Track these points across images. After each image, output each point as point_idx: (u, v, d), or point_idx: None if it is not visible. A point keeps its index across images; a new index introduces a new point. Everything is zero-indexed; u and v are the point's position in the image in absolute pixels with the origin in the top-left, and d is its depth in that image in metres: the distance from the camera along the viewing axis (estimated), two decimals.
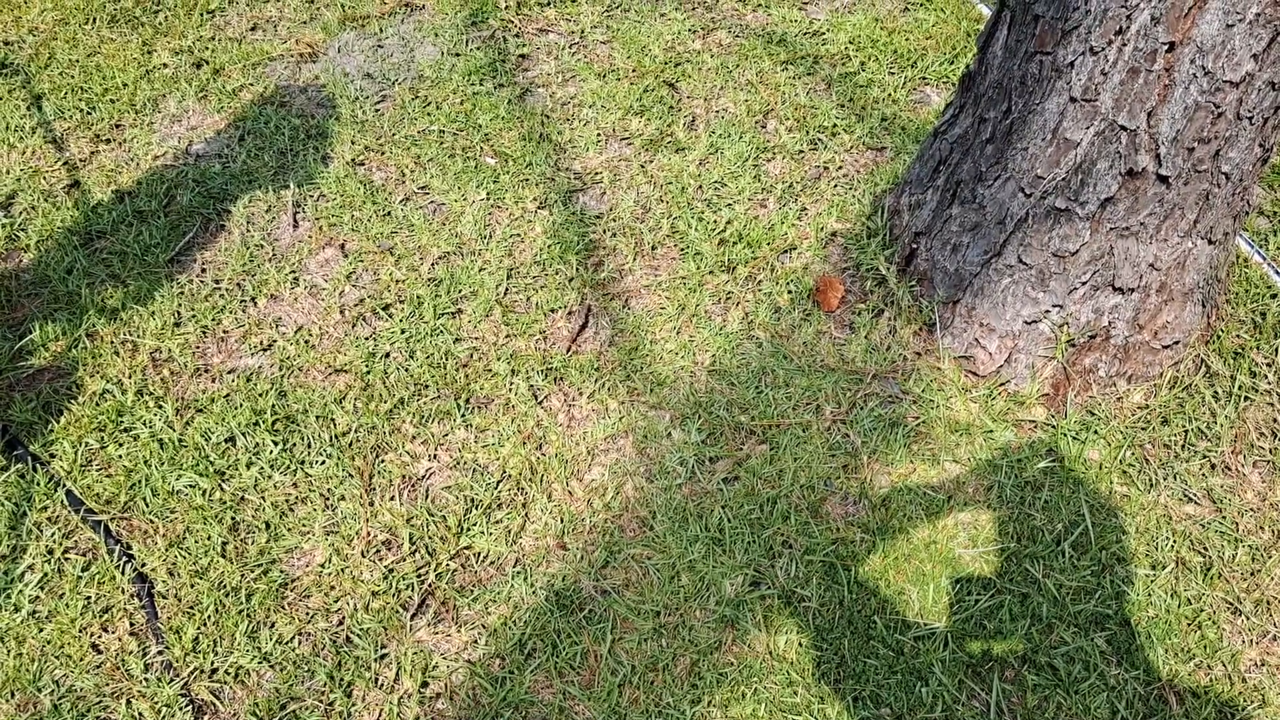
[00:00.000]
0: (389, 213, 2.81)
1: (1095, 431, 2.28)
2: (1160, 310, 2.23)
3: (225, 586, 2.03)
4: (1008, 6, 2.13)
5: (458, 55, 3.38)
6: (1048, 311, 2.26)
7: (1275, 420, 2.28)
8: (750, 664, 1.94)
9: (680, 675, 1.92)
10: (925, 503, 2.18)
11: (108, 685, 1.89)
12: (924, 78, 3.31)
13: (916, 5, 3.62)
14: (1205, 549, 2.11)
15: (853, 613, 2.01)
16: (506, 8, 3.57)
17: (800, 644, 1.97)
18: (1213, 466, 2.23)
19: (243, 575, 2.04)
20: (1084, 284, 2.19)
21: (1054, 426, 2.30)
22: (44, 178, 2.89)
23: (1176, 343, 2.31)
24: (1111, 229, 2.10)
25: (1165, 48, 1.83)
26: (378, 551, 2.10)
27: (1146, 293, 2.20)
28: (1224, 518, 2.15)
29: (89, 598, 2.01)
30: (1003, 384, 2.36)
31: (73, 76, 3.24)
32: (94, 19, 3.48)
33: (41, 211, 2.79)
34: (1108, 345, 2.28)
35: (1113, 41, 1.87)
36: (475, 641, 1.98)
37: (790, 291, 2.59)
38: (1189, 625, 2.00)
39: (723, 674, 1.92)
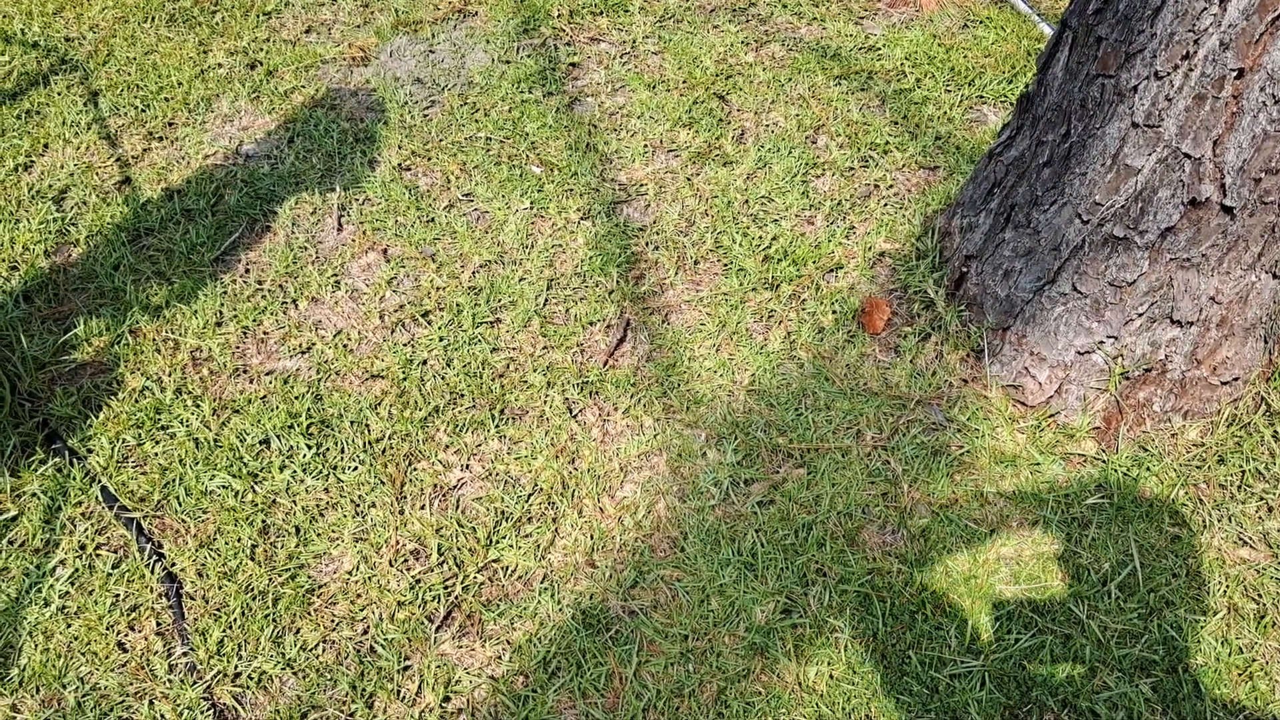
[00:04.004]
0: (432, 219, 2.80)
1: (1147, 468, 2.20)
2: (1220, 345, 2.15)
3: (253, 590, 2.02)
4: (1069, 27, 2.06)
5: (508, 62, 3.37)
6: (1102, 342, 2.18)
7: None
8: (779, 694, 1.89)
9: (706, 702, 1.88)
10: (966, 535, 2.12)
11: (131, 685, 1.88)
12: (981, 96, 3.24)
13: (976, 22, 3.55)
14: (1259, 596, 2.02)
15: (887, 646, 1.95)
16: (559, 15, 3.56)
17: (831, 676, 1.91)
18: (1270, 509, 2.14)
19: (270, 579, 2.04)
20: (1141, 315, 2.12)
21: (1104, 461, 2.22)
22: (96, 173, 2.93)
23: (1236, 379, 2.22)
24: (1171, 260, 2.02)
25: (1234, 74, 1.76)
26: (406, 561, 2.08)
27: (1206, 326, 2.12)
28: None
29: (118, 595, 2.01)
30: (1052, 415, 2.29)
31: (129, 74, 3.28)
32: (153, 17, 3.52)
33: (92, 207, 2.82)
34: (1164, 379, 2.20)
35: (1179, 66, 1.80)
36: (499, 657, 1.95)
37: (835, 312, 2.54)
38: (1240, 675, 1.91)
39: (750, 703, 1.88)
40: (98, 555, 2.07)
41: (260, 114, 3.17)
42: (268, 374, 2.41)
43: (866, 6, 3.67)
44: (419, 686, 1.90)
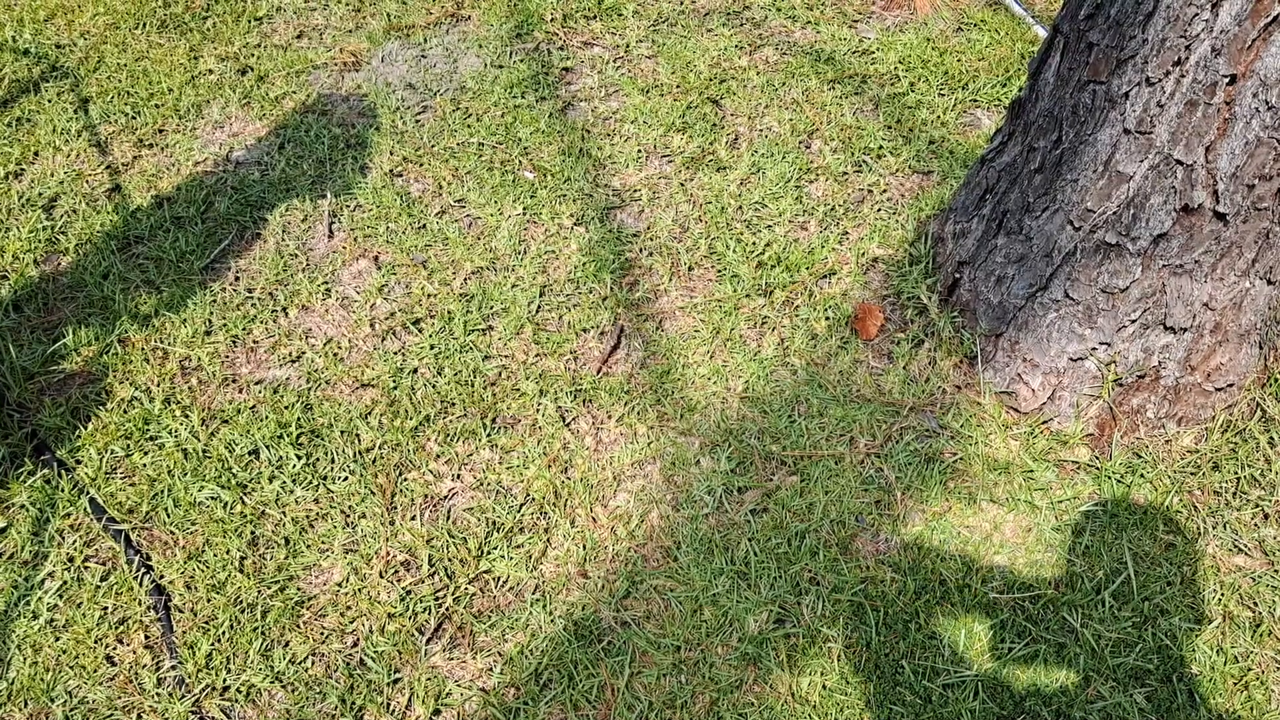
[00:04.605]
0: (424, 225, 2.79)
1: (1141, 475, 2.19)
2: (1214, 351, 2.14)
3: (241, 602, 2.01)
4: (1061, 33, 2.05)
5: (501, 67, 3.35)
6: (1094, 349, 2.17)
7: None
8: (772, 705, 1.88)
9: (699, 714, 1.87)
10: (960, 543, 2.10)
11: (120, 699, 1.87)
12: (975, 100, 3.23)
13: (970, 25, 3.54)
14: (1255, 604, 2.01)
15: (880, 656, 1.94)
16: (552, 20, 3.55)
17: (824, 686, 1.90)
18: (1265, 516, 2.13)
19: (259, 591, 2.02)
20: (1133, 322, 2.11)
21: (1098, 468, 2.21)
22: (86, 181, 2.91)
23: (1230, 385, 2.21)
24: (1164, 266, 2.01)
25: (1226, 80, 1.75)
26: (396, 572, 2.07)
27: (1200, 333, 2.11)
28: (1276, 571, 2.05)
29: (106, 608, 2.00)
30: (1045, 422, 2.28)
31: (120, 81, 3.26)
32: (144, 24, 3.51)
33: (82, 215, 2.80)
34: (1157, 386, 2.19)
35: (1170, 72, 1.79)
36: (490, 669, 1.94)
37: (828, 318, 2.52)
38: (1235, 685, 1.90)
39: (742, 714, 1.86)
40: (86, 567, 2.06)
41: (251, 120, 3.15)
42: (257, 383, 2.40)
43: (860, 10, 3.66)
44: (409, 699, 1.89)
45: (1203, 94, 1.78)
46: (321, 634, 1.97)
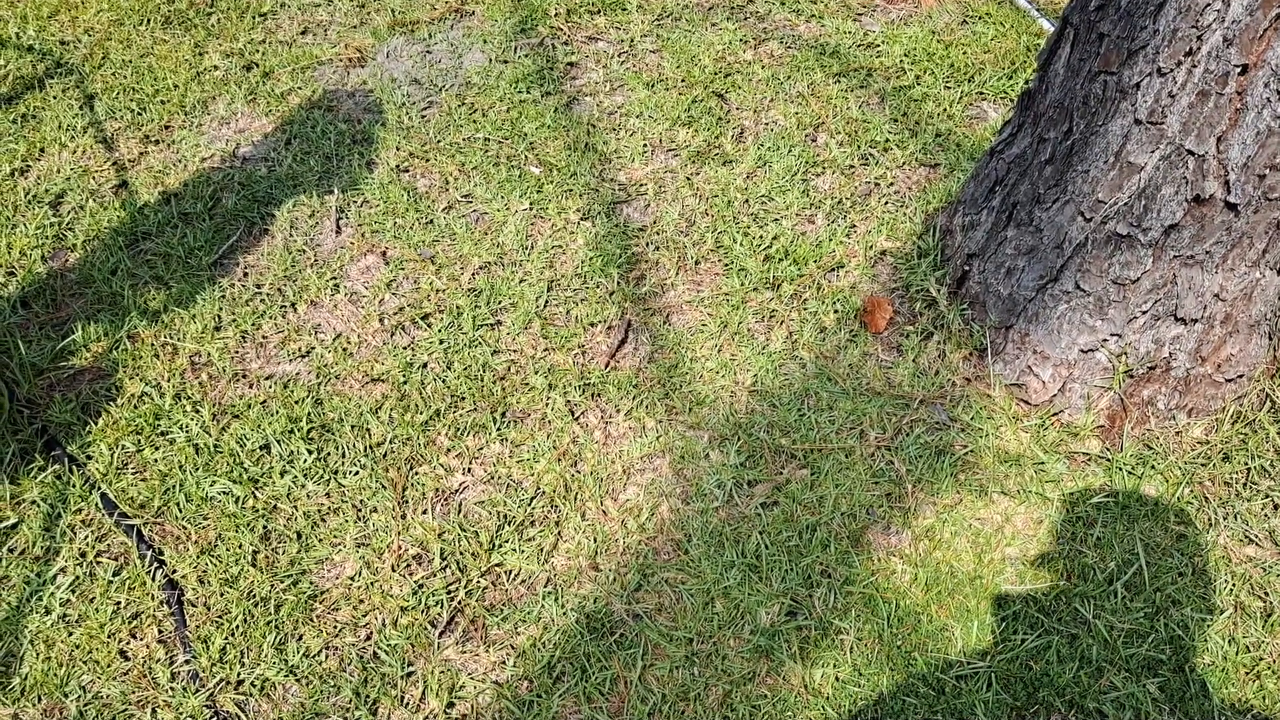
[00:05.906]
0: (431, 221, 2.79)
1: (1152, 466, 2.19)
2: (1224, 342, 2.14)
3: (254, 596, 2.01)
4: (1071, 24, 2.05)
5: (506, 62, 3.35)
6: (1105, 340, 2.17)
7: None
8: (785, 697, 1.88)
9: (712, 706, 1.87)
10: (971, 535, 2.11)
11: (134, 693, 1.87)
12: (981, 92, 3.23)
13: (975, 18, 3.54)
14: (1266, 594, 2.01)
15: (892, 648, 1.94)
16: (556, 15, 3.54)
17: (837, 678, 1.90)
18: (1276, 507, 2.13)
19: (272, 585, 2.02)
20: (1144, 313, 2.11)
21: (1109, 460, 2.21)
22: (93, 177, 2.91)
23: (1241, 376, 2.21)
24: (1175, 257, 2.01)
25: (1238, 70, 1.75)
26: (408, 566, 2.07)
27: (1210, 324, 2.11)
28: None
29: (119, 603, 2.00)
30: (1056, 414, 2.28)
31: (125, 77, 3.26)
32: (148, 20, 3.50)
33: (89, 211, 2.80)
34: (1168, 377, 2.19)
35: (1182, 63, 1.79)
36: (503, 662, 1.94)
37: (837, 311, 2.52)
38: (1247, 675, 1.90)
39: (756, 706, 1.87)
40: (98, 563, 2.06)
41: (257, 116, 3.15)
42: (267, 378, 2.40)
43: (865, 3, 3.65)
44: (422, 693, 1.89)
45: (1214, 84, 1.78)
46: (335, 627, 1.97)
